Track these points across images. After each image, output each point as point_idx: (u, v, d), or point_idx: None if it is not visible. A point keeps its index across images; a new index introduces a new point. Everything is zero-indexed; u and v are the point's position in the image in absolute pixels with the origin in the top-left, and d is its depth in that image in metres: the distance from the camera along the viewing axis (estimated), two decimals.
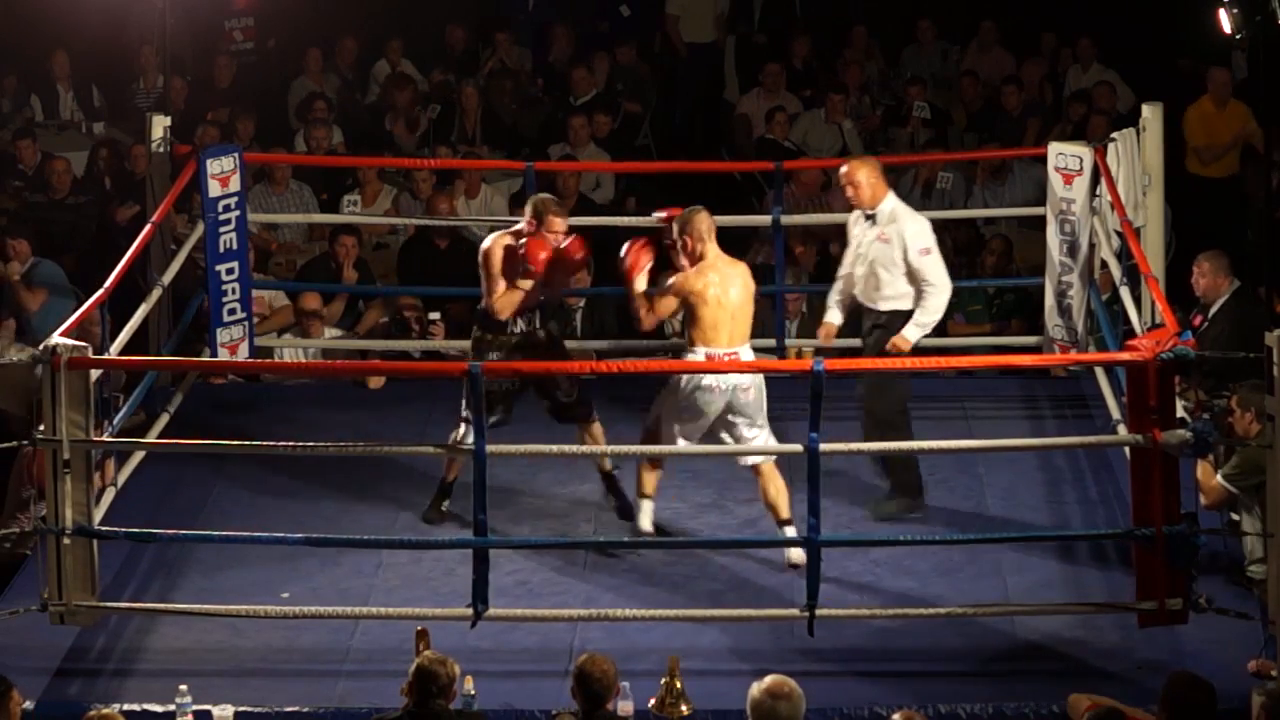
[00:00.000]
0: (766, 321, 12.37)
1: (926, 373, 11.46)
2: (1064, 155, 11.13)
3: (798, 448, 8.70)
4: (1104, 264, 11.15)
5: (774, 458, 9.47)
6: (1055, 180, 11.14)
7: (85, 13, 14.97)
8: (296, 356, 12.24)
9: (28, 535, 9.37)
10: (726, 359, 9.34)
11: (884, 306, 10.01)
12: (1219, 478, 9.01)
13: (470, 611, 8.69)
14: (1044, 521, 9.93)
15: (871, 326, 10.09)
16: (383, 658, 8.73)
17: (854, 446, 8.95)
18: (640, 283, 9.54)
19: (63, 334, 8.95)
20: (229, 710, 8.26)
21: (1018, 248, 13.05)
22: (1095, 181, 10.98)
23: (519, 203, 13.19)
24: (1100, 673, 8.56)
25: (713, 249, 9.47)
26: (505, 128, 15.25)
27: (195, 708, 8.22)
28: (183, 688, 8.24)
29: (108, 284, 9.88)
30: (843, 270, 10.23)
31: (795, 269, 13.15)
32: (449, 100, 15.32)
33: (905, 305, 9.95)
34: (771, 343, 11.74)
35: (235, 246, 11.34)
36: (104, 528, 9.02)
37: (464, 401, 9.54)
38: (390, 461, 10.38)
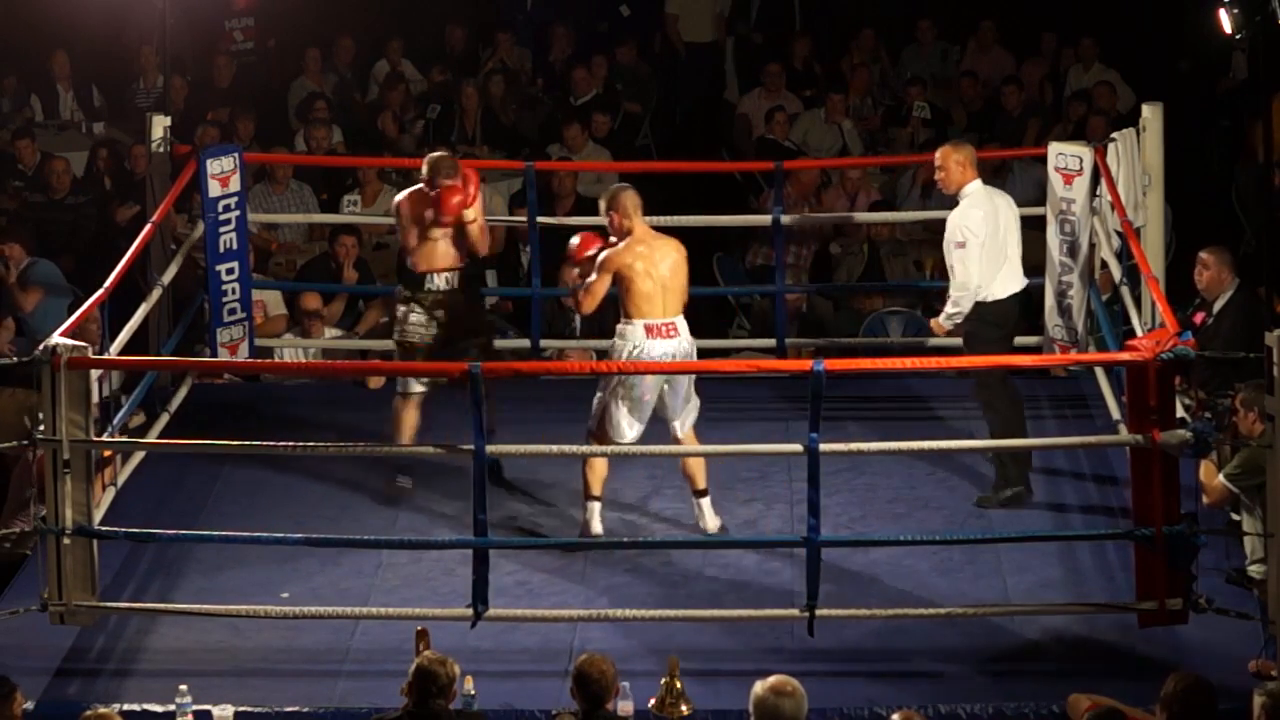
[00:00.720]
0: (766, 321, 12.40)
1: (926, 373, 11.48)
2: (1064, 155, 11.13)
3: (798, 448, 8.70)
4: (1104, 264, 11.15)
5: (692, 424, 9.72)
6: (1055, 180, 11.14)
7: (85, 13, 14.97)
8: (296, 356, 12.24)
9: (28, 535, 9.37)
10: (665, 327, 9.54)
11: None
12: (1221, 477, 9.01)
13: (470, 611, 8.69)
14: (1044, 521, 9.93)
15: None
16: (383, 658, 8.73)
17: (854, 446, 8.94)
18: (581, 270, 9.75)
19: (63, 334, 8.95)
20: (229, 710, 8.26)
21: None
22: (1095, 181, 10.98)
23: (519, 203, 13.21)
24: (1100, 673, 8.55)
25: (640, 225, 9.65)
26: (505, 128, 15.25)
27: (195, 708, 8.22)
28: (183, 688, 8.24)
29: (108, 284, 9.88)
30: None
31: (795, 269, 13.15)
32: (449, 100, 15.32)
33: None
34: (771, 342, 11.74)
35: (235, 246, 11.34)
36: (104, 528, 9.03)
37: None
38: (390, 462, 10.37)
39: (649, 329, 9.55)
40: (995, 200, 10.22)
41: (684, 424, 9.76)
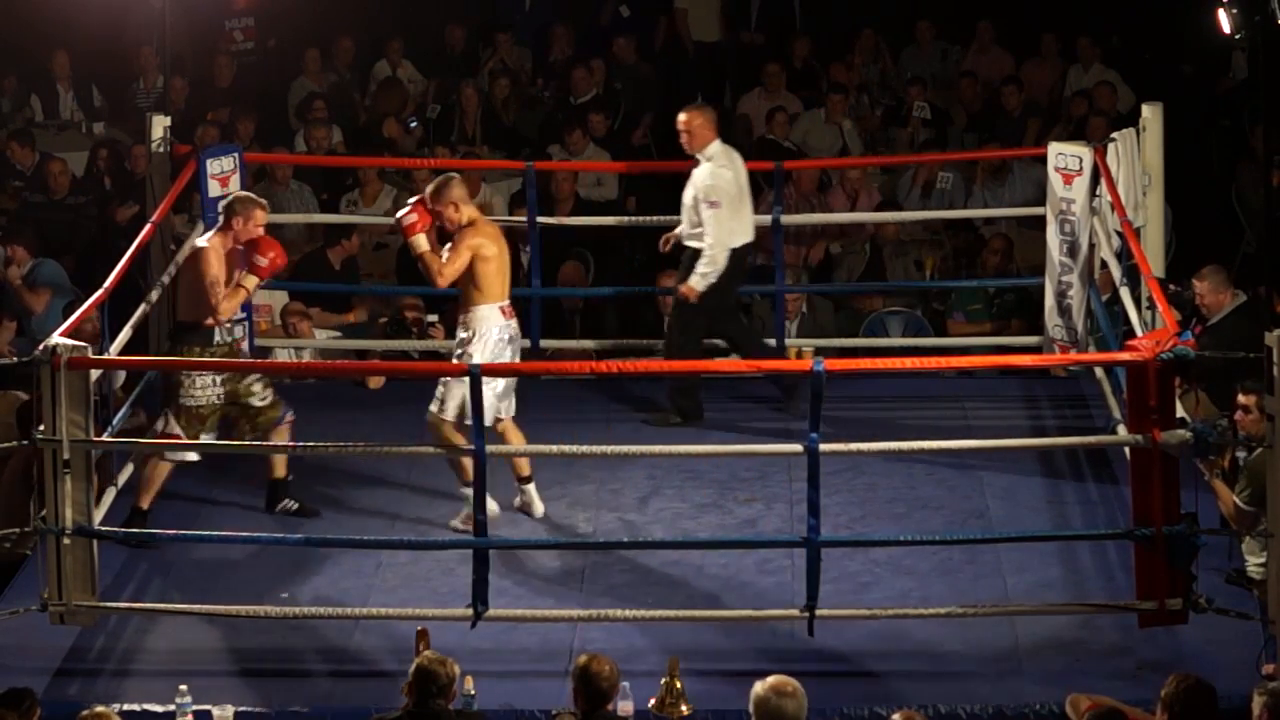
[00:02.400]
0: (766, 321, 12.40)
1: (926, 373, 11.49)
2: (1064, 155, 11.14)
3: (798, 448, 8.70)
4: (1104, 264, 11.15)
5: (512, 413, 9.84)
6: (1055, 180, 11.14)
7: (85, 13, 14.97)
8: (295, 357, 12.23)
9: (28, 535, 9.37)
10: (507, 309, 9.81)
11: (690, 244, 10.82)
12: (1236, 500, 8.97)
13: (470, 611, 8.69)
14: (1044, 521, 9.93)
15: (685, 261, 10.90)
16: (383, 658, 8.73)
17: (854, 446, 8.94)
18: (422, 242, 9.87)
19: (63, 334, 8.96)
20: (229, 710, 8.26)
21: (1018, 248, 13.06)
22: (1095, 181, 10.99)
23: (519, 203, 13.21)
24: (1100, 673, 8.55)
25: (471, 210, 9.87)
26: (505, 128, 15.25)
27: (195, 708, 8.22)
28: (183, 688, 8.25)
29: (108, 284, 9.88)
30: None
31: (795, 269, 13.15)
32: (449, 100, 15.32)
33: (699, 246, 10.77)
34: (771, 342, 11.74)
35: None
36: (104, 528, 9.02)
37: (166, 417, 9.80)
38: (390, 461, 10.37)
39: (503, 310, 9.81)
40: (734, 158, 10.83)
41: (508, 409, 9.89)
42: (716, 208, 10.65)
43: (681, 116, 10.84)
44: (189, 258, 10.01)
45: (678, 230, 11.00)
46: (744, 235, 10.85)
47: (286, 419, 9.95)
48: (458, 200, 9.80)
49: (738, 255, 10.82)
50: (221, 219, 9.91)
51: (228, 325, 9.97)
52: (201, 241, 9.95)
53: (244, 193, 10.13)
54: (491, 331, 9.76)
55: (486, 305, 9.76)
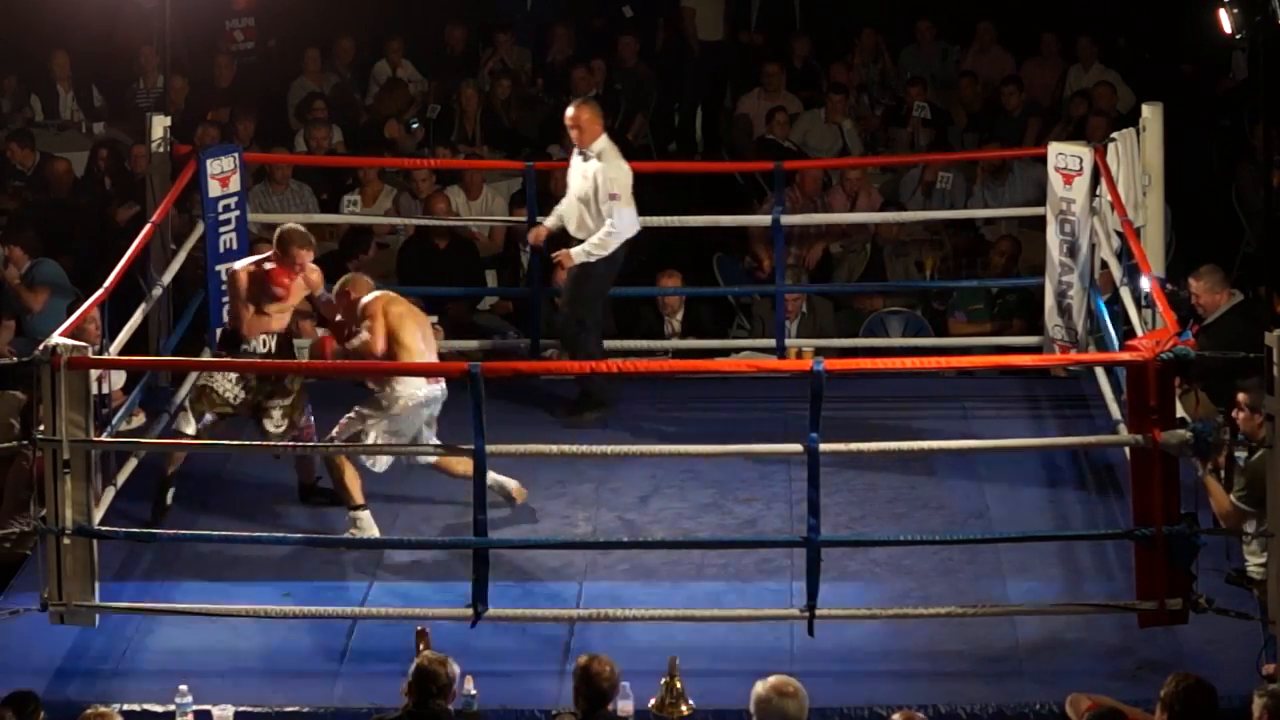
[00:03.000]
0: (766, 321, 12.40)
1: (926, 373, 11.48)
2: (1064, 155, 11.14)
3: (798, 448, 8.69)
4: (1104, 264, 11.15)
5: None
6: (1055, 180, 11.14)
7: (85, 13, 14.97)
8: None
9: (28, 535, 9.37)
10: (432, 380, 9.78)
11: (579, 237, 10.94)
12: (1233, 499, 8.98)
13: (470, 611, 8.69)
14: (1044, 521, 9.93)
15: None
16: (383, 658, 8.73)
17: (854, 446, 8.94)
18: (339, 323, 9.95)
19: (63, 334, 8.95)
20: (229, 710, 8.26)
21: None
22: (1095, 181, 10.99)
23: (519, 203, 13.21)
24: (1100, 673, 8.55)
25: (368, 294, 9.90)
26: (505, 128, 15.25)
27: (195, 708, 8.23)
28: (183, 688, 8.25)
29: (108, 284, 9.88)
30: (561, 206, 11.14)
31: (795, 269, 13.15)
32: (449, 100, 15.32)
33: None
34: (771, 343, 11.74)
35: (235, 246, 11.34)
36: (104, 528, 9.02)
37: (191, 391, 10.05)
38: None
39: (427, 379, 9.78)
40: (620, 154, 11.02)
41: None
42: (617, 200, 10.85)
43: (571, 111, 10.92)
44: (229, 275, 10.17)
45: (549, 223, 11.16)
46: (635, 228, 11.04)
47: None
48: (362, 288, 9.88)
49: (624, 249, 11.01)
50: (274, 247, 10.00)
51: (262, 339, 10.01)
52: (239, 264, 10.13)
53: (293, 227, 10.10)
54: (400, 398, 9.72)
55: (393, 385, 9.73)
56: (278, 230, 10.06)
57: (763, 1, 16.59)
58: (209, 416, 9.92)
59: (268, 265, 9.96)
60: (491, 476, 9.48)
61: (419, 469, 10.08)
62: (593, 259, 10.89)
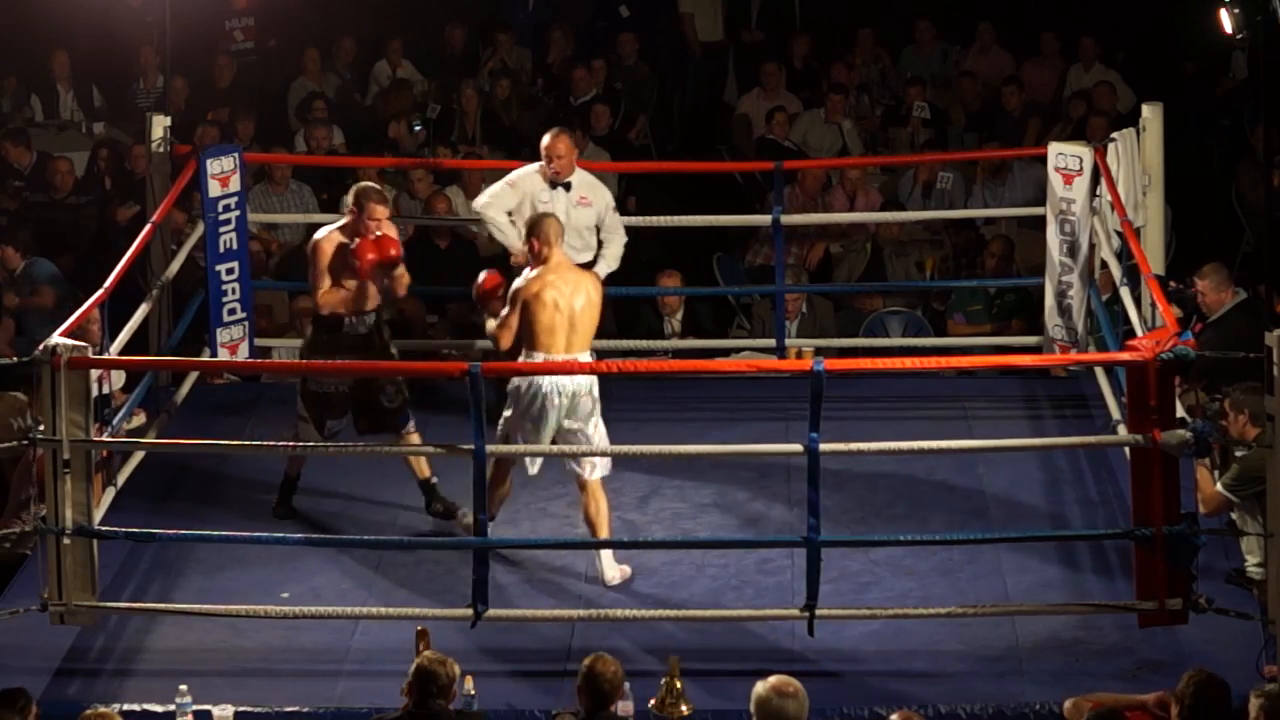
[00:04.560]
0: (766, 321, 12.40)
1: (926, 373, 11.49)
2: (1064, 155, 11.14)
3: (798, 448, 8.69)
4: (1104, 264, 11.15)
5: (606, 474, 9.46)
6: (1055, 180, 11.14)
7: (85, 13, 14.96)
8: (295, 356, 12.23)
9: (28, 535, 9.37)
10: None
11: (586, 259, 10.56)
12: (1219, 486, 9.00)
13: (470, 611, 8.69)
14: (1044, 521, 9.93)
15: None
16: (383, 658, 8.73)
17: (854, 446, 8.94)
18: (490, 307, 9.61)
19: (63, 334, 8.96)
20: (229, 710, 8.26)
21: (1018, 248, 13.06)
22: (1095, 181, 10.99)
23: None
24: (1100, 673, 8.56)
25: (557, 254, 9.44)
26: (505, 128, 15.25)
27: (195, 708, 8.23)
28: (183, 688, 8.25)
29: (108, 284, 9.88)
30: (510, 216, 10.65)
31: (795, 269, 13.16)
32: (449, 101, 15.32)
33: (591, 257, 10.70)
34: (771, 343, 11.74)
35: (235, 246, 11.34)
36: (104, 528, 9.02)
37: (299, 402, 9.82)
38: (390, 461, 10.36)
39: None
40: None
41: (588, 470, 9.41)
42: (618, 213, 10.84)
43: (561, 146, 10.57)
44: (312, 246, 9.92)
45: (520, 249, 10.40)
46: None
47: (408, 428, 9.87)
48: (551, 238, 9.40)
49: None
50: (349, 205, 9.87)
51: (361, 316, 9.85)
52: (320, 232, 9.92)
53: (367, 183, 10.02)
54: (521, 384, 9.36)
55: (531, 354, 9.36)
56: (354, 187, 9.93)
57: (763, 1, 16.59)
58: (333, 423, 9.83)
59: (354, 239, 9.76)
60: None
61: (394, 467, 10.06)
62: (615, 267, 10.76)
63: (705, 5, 16.34)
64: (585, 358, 9.37)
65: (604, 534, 9.43)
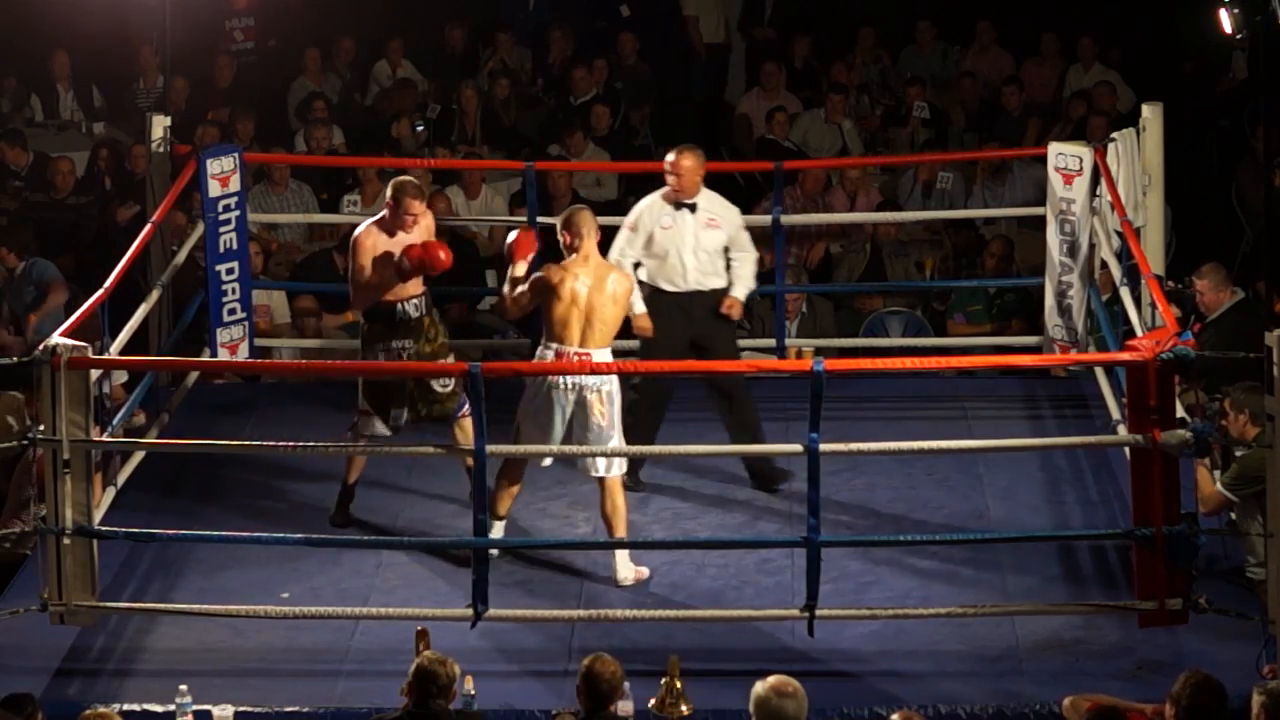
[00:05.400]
0: (766, 321, 12.40)
1: (926, 373, 11.49)
2: (1064, 155, 11.13)
3: (798, 448, 8.70)
4: (1104, 264, 11.15)
5: (622, 472, 9.43)
6: (1055, 180, 11.14)
7: (85, 13, 14.96)
8: (296, 356, 12.25)
9: (28, 535, 9.37)
10: (576, 358, 9.25)
11: (717, 285, 10.19)
12: (1218, 486, 9.00)
13: (470, 611, 8.69)
14: (1044, 521, 9.93)
15: (710, 307, 10.19)
16: (383, 658, 8.73)
17: (854, 446, 8.94)
18: (519, 269, 9.50)
19: (63, 334, 8.96)
20: (229, 710, 8.26)
21: (1018, 248, 13.06)
22: (1095, 181, 10.99)
23: (519, 203, 13.21)
24: (1100, 673, 8.55)
25: (589, 245, 9.36)
26: (505, 128, 15.26)
27: (195, 708, 8.22)
28: (183, 688, 8.25)
29: (108, 284, 9.88)
30: (639, 257, 10.17)
31: (795, 269, 13.16)
32: (449, 101, 15.33)
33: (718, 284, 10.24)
34: (771, 342, 11.74)
35: (235, 246, 11.34)
36: (104, 528, 9.02)
37: (360, 399, 9.75)
38: (390, 461, 10.37)
39: (559, 356, 9.30)
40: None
41: (600, 463, 9.33)
42: (748, 232, 10.32)
43: (685, 163, 10.09)
44: (353, 240, 9.87)
45: (693, 282, 10.19)
46: None
47: (463, 412, 9.76)
48: (583, 231, 9.32)
49: None
50: (386, 199, 9.84)
51: (410, 300, 9.81)
52: (360, 227, 9.89)
53: (404, 178, 9.95)
54: (536, 378, 9.34)
55: (547, 346, 9.36)
56: (391, 182, 9.89)
57: (777, 2, 16.61)
58: (395, 412, 9.79)
59: (388, 230, 9.74)
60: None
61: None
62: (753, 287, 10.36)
63: (709, 7, 16.35)
64: (601, 354, 9.32)
65: (620, 533, 9.39)
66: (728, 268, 10.24)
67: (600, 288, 9.31)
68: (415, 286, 9.81)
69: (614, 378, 9.31)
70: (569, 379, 9.25)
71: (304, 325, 12.23)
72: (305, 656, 8.90)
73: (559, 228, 9.46)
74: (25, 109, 15.48)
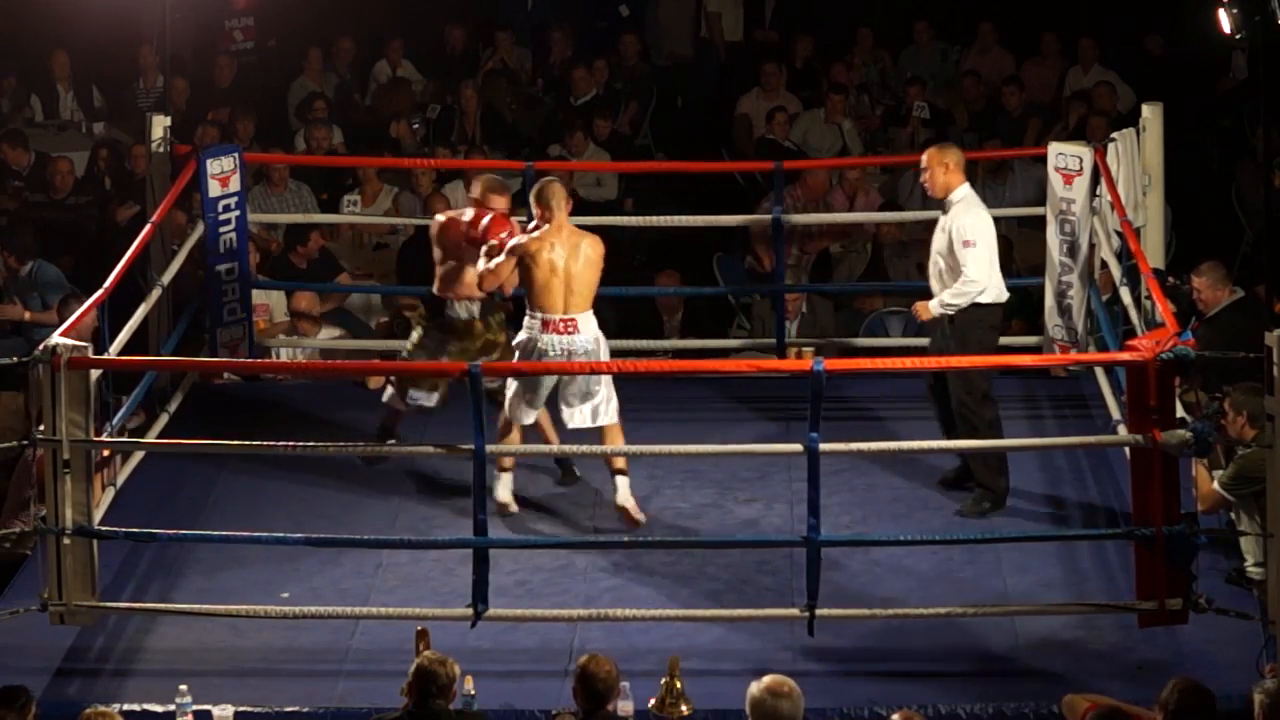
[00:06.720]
0: (766, 321, 12.40)
1: (927, 373, 11.47)
2: (1064, 155, 11.13)
3: (798, 447, 8.70)
4: (1104, 264, 11.15)
5: (614, 420, 9.74)
6: (1055, 180, 11.14)
7: (85, 13, 14.97)
8: (295, 356, 12.24)
9: (28, 535, 9.37)
10: (562, 324, 9.63)
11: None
12: (1216, 485, 9.01)
13: (470, 611, 8.69)
14: (1044, 521, 9.93)
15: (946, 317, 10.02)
16: (383, 658, 8.73)
17: (854, 446, 8.94)
18: (489, 249, 9.81)
19: (63, 334, 8.96)
20: (229, 710, 8.26)
21: (1018, 248, 13.05)
22: (1095, 181, 10.99)
23: (519, 203, 13.20)
24: (1100, 673, 8.56)
25: (561, 216, 9.75)
26: (505, 128, 15.25)
27: (195, 708, 8.23)
28: (183, 688, 8.25)
29: (108, 284, 9.88)
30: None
31: (795, 269, 13.16)
32: (448, 101, 15.33)
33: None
34: (771, 342, 11.74)
35: (235, 246, 11.35)
36: (104, 528, 9.03)
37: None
38: (388, 461, 10.37)
39: (545, 323, 9.66)
40: (985, 208, 10.11)
41: (588, 415, 9.72)
42: (971, 247, 9.84)
43: (928, 159, 9.96)
44: (437, 226, 10.23)
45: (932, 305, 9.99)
46: (1001, 289, 10.06)
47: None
48: (553, 203, 9.74)
49: (999, 313, 10.11)
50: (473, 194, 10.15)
51: (463, 302, 10.09)
52: (440, 216, 10.27)
53: (489, 175, 10.29)
54: (523, 341, 9.72)
55: (532, 315, 9.72)
56: (474, 180, 10.18)
57: (779, 2, 16.61)
58: (413, 392, 10.13)
59: (482, 221, 9.94)
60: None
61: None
62: (948, 311, 9.89)
63: (731, 4, 16.36)
64: (585, 317, 9.70)
65: (620, 462, 9.72)
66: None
67: (575, 255, 9.71)
68: (473, 289, 10.03)
69: (602, 342, 9.73)
70: (559, 343, 9.60)
71: (301, 327, 12.21)
72: (305, 656, 8.91)
73: (531, 201, 9.79)
74: (25, 109, 15.48)
